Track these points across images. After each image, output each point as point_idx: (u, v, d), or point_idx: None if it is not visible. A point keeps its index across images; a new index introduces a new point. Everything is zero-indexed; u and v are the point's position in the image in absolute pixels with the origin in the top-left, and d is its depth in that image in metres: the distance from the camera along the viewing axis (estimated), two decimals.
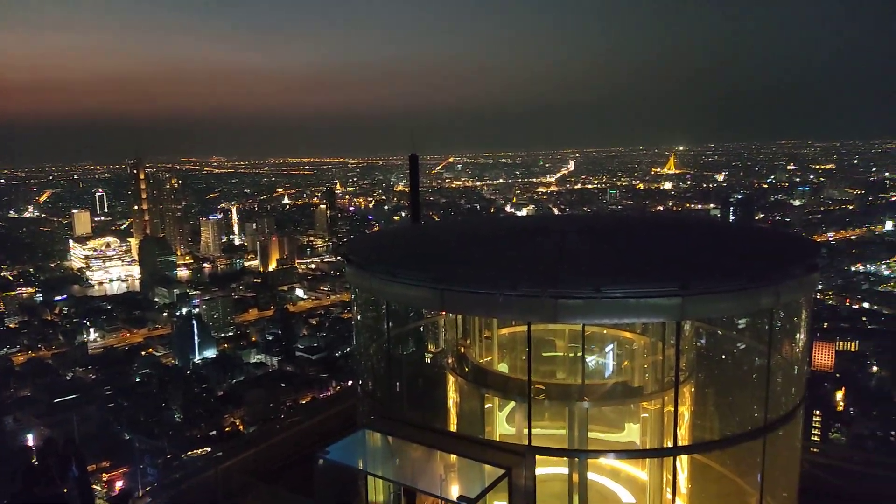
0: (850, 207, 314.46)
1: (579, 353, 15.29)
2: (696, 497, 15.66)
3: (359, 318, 19.41)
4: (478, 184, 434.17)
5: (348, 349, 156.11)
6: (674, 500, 14.73)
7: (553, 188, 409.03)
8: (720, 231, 33.58)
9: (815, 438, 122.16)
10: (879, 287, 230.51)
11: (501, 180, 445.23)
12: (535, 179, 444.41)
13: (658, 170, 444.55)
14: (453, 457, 14.51)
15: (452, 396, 17.63)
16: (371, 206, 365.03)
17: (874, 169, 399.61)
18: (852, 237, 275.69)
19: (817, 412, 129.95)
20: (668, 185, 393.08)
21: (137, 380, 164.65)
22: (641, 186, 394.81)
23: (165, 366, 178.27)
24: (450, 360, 17.88)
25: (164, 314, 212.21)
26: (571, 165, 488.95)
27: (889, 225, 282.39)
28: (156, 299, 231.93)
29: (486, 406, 16.72)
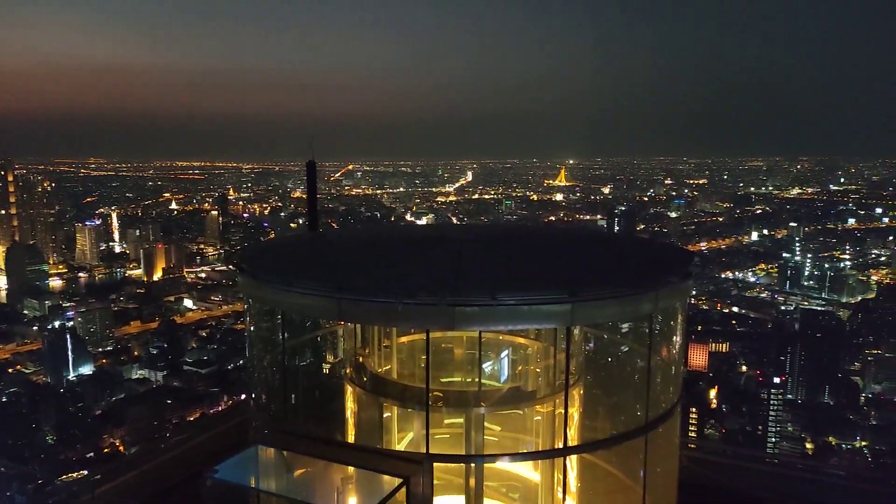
0: (721, 219, 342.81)
1: (476, 360, 15.63)
2: (585, 495, 16.40)
3: (252, 328, 18.75)
4: (378, 192, 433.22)
5: (241, 361, 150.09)
6: (564, 499, 15.35)
7: (452, 198, 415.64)
8: (606, 241, 35.49)
9: (692, 435, 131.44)
10: (746, 292, 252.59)
11: (402, 189, 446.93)
12: (434, 189, 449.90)
13: (550, 182, 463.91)
14: (351, 469, 14.33)
15: (350, 407, 17.42)
16: (266, 212, 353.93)
17: (741, 184, 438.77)
18: (722, 247, 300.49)
19: (693, 410, 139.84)
20: (559, 197, 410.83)
21: (4, 399, 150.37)
22: (535, 197, 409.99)
23: (36, 384, 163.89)
24: (348, 371, 17.67)
25: (35, 328, 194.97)
26: (469, 176, 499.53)
27: (755, 235, 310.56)
28: (25, 312, 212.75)
29: (385, 415, 16.66)
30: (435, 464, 14.25)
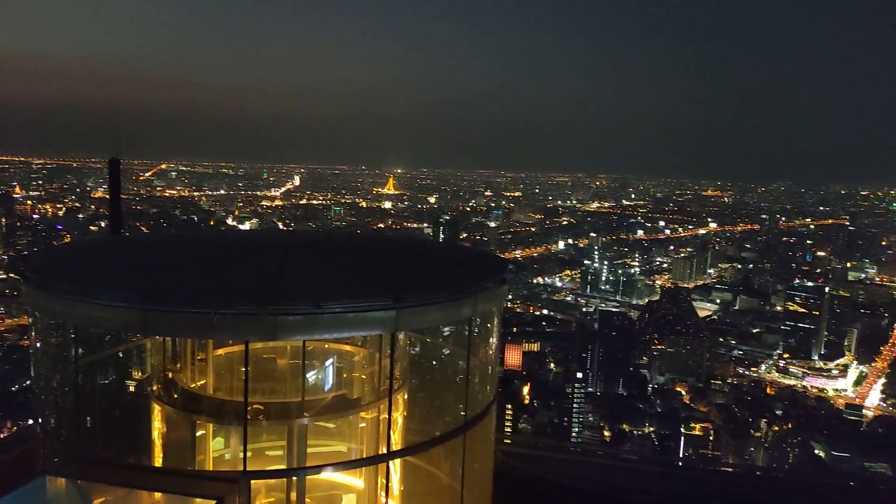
0: (533, 229, 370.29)
1: (300, 370, 15.23)
2: (407, 497, 16.71)
3: (39, 345, 16.50)
4: (196, 194, 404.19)
5: (27, 382, 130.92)
6: (386, 502, 15.51)
7: (278, 202, 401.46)
8: (430, 248, 36.56)
9: (508, 430, 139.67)
10: (555, 296, 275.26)
11: (222, 191, 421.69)
12: (259, 193, 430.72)
13: (379, 189, 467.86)
14: (158, 494, 13.17)
15: (158, 427, 16.02)
16: (61, 213, 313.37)
17: (550, 198, 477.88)
18: (535, 254, 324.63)
19: (509, 407, 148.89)
20: (388, 205, 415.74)
21: None
22: (364, 204, 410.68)
23: None
24: (155, 388, 16.25)
25: None
26: (297, 180, 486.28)
27: (562, 244, 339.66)
28: None
29: (199, 433, 15.58)
30: (258, 481, 13.64)
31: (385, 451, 15.15)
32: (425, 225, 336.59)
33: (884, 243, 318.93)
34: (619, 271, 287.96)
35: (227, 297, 12.83)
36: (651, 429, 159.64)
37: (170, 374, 16.18)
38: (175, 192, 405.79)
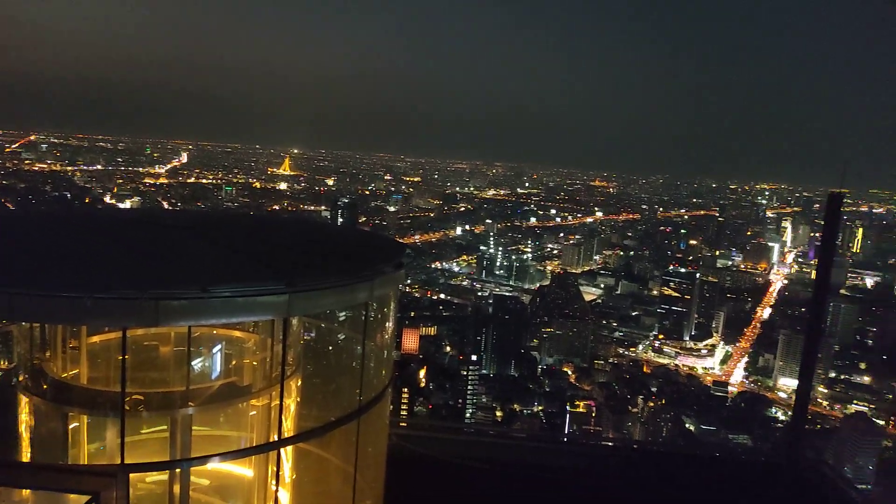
0: (432, 215, 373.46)
1: (185, 357, 14.55)
2: (298, 484, 16.53)
3: None
4: (69, 169, 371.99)
5: None
6: (277, 490, 15.26)
7: (163, 180, 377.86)
8: (326, 231, 35.97)
9: (404, 413, 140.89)
10: (452, 281, 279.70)
11: (99, 167, 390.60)
12: (141, 169, 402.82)
13: (274, 170, 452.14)
14: (26, 492, 12.20)
15: (26, 420, 14.78)
16: None
17: (449, 184, 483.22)
18: (433, 240, 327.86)
19: (405, 390, 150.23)
20: (283, 186, 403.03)
21: None
22: (258, 185, 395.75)
23: None
24: (22, 378, 14.95)
25: None
26: (185, 157, 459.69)
27: (459, 230, 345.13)
28: None
29: (72, 426, 14.53)
30: (137, 474, 12.95)
31: (276, 438, 14.86)
32: (323, 208, 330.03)
33: (748, 233, 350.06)
34: (513, 257, 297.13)
35: (103, 281, 12.00)
36: (540, 408, 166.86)
37: (38, 364, 14.94)
38: (45, 166, 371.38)
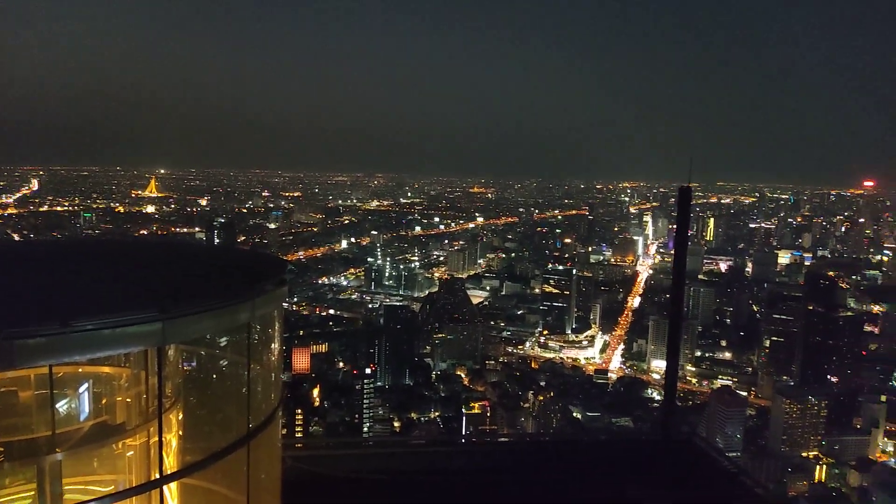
0: (315, 230, 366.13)
1: (48, 400, 13.27)
2: None
3: None
4: None
5: None
6: None
7: (11, 210, 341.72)
8: (200, 253, 34.22)
9: (299, 434, 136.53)
10: (340, 295, 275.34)
11: None
12: None
13: (139, 192, 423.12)
14: None
15: None
16: None
17: (331, 197, 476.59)
18: (318, 255, 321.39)
19: (299, 411, 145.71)
20: (151, 209, 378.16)
21: None
22: (122, 209, 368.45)
23: None
24: None
25: None
26: (35, 184, 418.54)
27: (344, 243, 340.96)
28: None
29: None
30: None
31: (157, 476, 13.95)
32: (197, 229, 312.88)
33: (616, 229, 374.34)
34: (401, 266, 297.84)
35: None
36: (437, 413, 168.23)
37: None
38: None
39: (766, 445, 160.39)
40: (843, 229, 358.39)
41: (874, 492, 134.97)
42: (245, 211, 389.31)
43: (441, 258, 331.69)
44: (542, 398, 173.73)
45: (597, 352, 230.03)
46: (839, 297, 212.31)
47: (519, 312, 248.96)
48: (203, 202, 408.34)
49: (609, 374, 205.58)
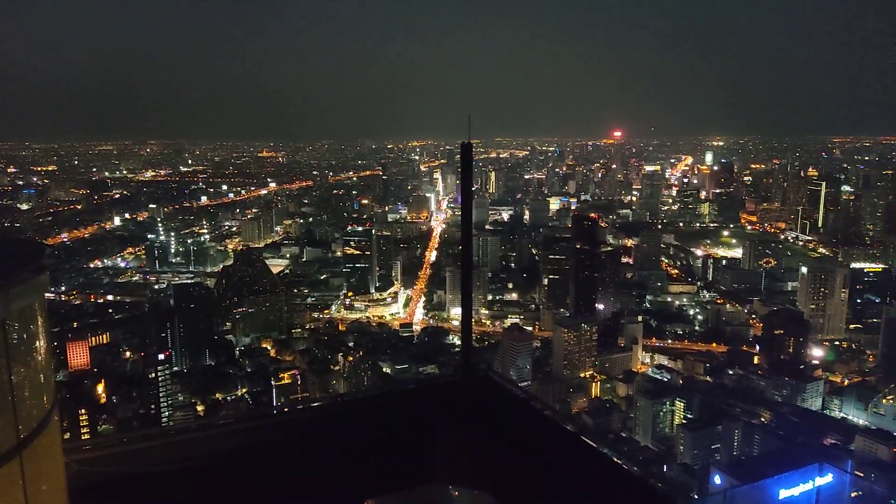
0: (79, 207, 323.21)
1: None
2: None
3: None
4: None
5: None
6: None
7: None
8: None
9: (87, 436, 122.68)
10: (119, 279, 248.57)
11: None
12: None
13: None
14: None
15: None
16: None
17: (94, 169, 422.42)
18: (86, 235, 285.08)
19: (83, 410, 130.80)
20: None
21: None
22: None
23: None
24: None
25: None
26: None
27: (117, 220, 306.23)
28: None
29: None
30: None
31: None
32: None
33: (409, 188, 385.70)
34: (189, 241, 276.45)
35: None
36: (244, 390, 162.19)
37: None
38: None
39: (550, 371, 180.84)
40: (599, 175, 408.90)
41: (637, 398, 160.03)
42: None
43: (234, 228, 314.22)
44: (351, 358, 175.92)
45: (401, 307, 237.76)
46: (600, 234, 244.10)
47: (322, 277, 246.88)
48: None
49: (414, 327, 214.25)
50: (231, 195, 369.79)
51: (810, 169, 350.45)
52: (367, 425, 18.83)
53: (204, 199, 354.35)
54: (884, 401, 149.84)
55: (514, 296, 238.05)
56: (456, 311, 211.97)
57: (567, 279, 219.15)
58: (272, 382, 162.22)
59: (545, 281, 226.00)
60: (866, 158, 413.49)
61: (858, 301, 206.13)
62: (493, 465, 16.98)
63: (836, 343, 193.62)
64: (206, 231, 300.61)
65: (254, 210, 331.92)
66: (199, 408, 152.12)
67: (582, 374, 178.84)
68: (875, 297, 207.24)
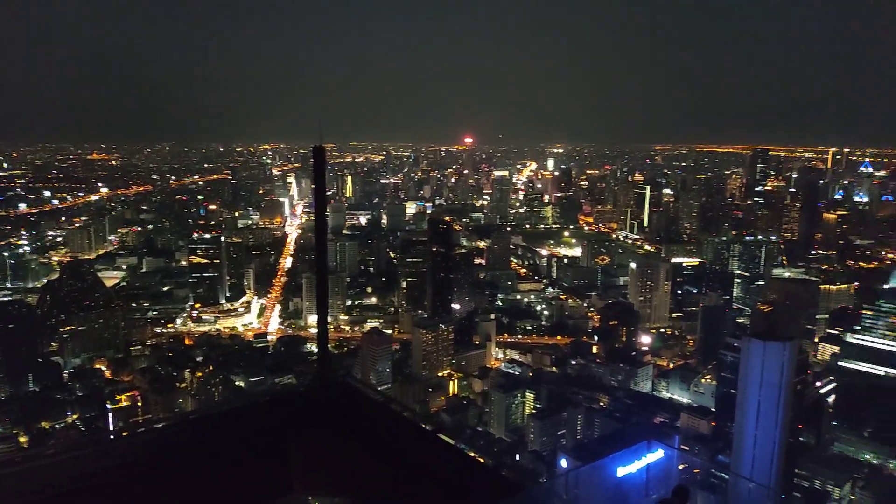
0: None
1: None
2: None
3: None
4: None
5: None
6: None
7: None
8: None
9: None
10: None
11: None
12: None
13: None
14: None
15: None
16: None
17: None
18: None
19: None
20: None
21: None
22: None
23: None
24: None
25: None
26: None
27: None
28: None
29: None
30: None
31: None
32: None
33: (261, 192, 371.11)
34: (6, 254, 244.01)
35: None
36: (75, 416, 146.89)
37: None
38: None
39: (410, 373, 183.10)
40: (453, 180, 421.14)
41: (491, 393, 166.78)
42: None
43: (59, 239, 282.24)
44: (199, 374, 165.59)
45: (254, 317, 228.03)
46: (454, 237, 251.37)
47: (165, 289, 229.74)
48: None
49: (269, 337, 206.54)
50: (56, 202, 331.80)
51: (636, 174, 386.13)
52: (218, 442, 18.05)
53: (23, 206, 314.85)
54: (702, 380, 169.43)
55: (374, 300, 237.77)
56: (313, 319, 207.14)
57: (424, 281, 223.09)
58: (108, 406, 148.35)
59: (403, 284, 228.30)
60: (683, 164, 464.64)
61: (679, 292, 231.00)
62: (352, 470, 17.04)
63: (662, 330, 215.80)
64: (25, 242, 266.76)
65: (83, 218, 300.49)
66: (22, 439, 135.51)
67: (440, 374, 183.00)
68: (693, 289, 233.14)
